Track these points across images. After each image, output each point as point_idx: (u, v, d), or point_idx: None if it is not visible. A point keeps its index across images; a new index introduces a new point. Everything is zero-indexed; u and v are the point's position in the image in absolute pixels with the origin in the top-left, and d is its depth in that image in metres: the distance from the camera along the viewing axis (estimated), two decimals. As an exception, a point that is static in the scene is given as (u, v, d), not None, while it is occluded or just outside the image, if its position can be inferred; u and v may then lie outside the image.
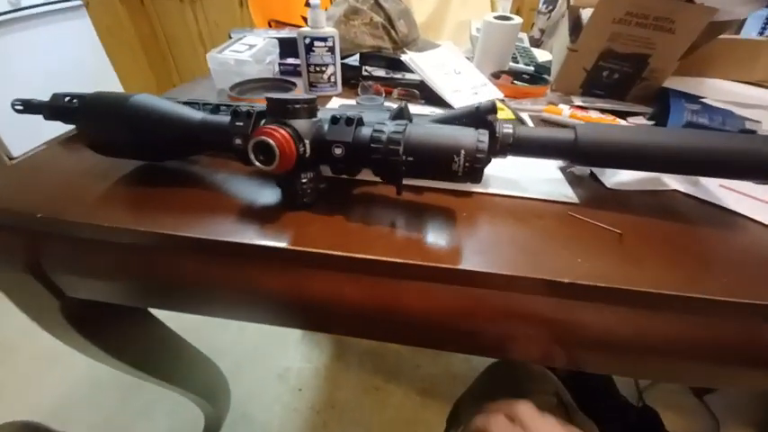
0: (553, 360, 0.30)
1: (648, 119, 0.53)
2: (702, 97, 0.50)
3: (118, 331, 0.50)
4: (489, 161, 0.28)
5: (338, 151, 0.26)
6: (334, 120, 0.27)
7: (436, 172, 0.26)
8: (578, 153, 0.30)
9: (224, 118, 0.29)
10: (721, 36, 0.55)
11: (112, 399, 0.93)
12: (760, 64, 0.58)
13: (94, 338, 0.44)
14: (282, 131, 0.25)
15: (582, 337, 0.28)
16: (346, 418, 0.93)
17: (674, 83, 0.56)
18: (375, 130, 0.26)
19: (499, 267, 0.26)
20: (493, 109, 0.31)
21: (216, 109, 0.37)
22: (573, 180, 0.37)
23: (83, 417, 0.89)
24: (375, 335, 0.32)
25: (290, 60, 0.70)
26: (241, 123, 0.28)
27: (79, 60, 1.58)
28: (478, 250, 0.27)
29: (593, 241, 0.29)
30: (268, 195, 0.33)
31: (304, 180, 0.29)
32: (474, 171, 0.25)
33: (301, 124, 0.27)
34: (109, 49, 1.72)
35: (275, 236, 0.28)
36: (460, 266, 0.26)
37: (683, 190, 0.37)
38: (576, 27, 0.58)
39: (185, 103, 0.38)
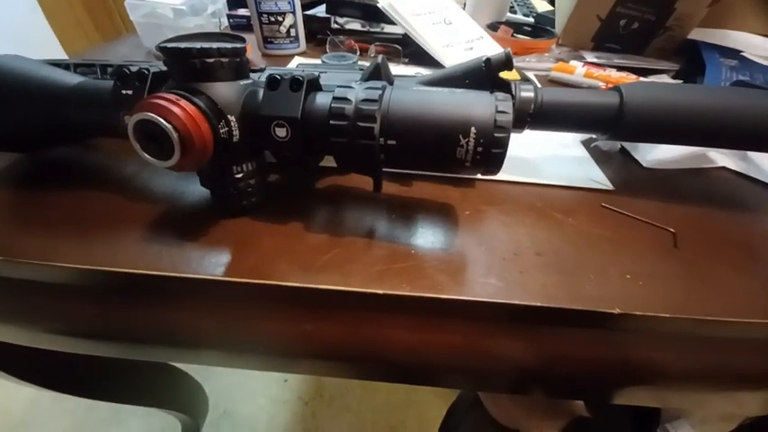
0: (583, 397, 0.24)
1: (674, 77, 0.45)
2: (739, 51, 0.42)
3: (53, 359, 0.41)
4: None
5: (281, 133, 0.17)
6: (273, 82, 0.17)
7: (432, 161, 0.17)
8: (624, 125, 0.22)
9: (107, 83, 0.19)
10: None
11: (81, 404, 0.87)
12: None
13: (22, 375, 0.36)
14: (184, 104, 0.15)
15: (625, 373, 0.22)
16: (336, 405, 0.90)
17: (701, 35, 0.48)
18: (336, 98, 0.17)
19: (523, 296, 0.18)
20: (508, 63, 0.21)
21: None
22: (600, 157, 0.29)
23: (51, 424, 0.83)
24: (353, 375, 0.24)
25: (243, 11, 0.57)
26: (130, 91, 0.18)
27: (10, 20, 1.33)
28: (492, 270, 0.20)
29: (642, 245, 0.22)
30: (197, 193, 0.23)
31: (239, 175, 0.20)
32: (490, 159, 0.16)
33: (222, 91, 0.17)
34: (46, 7, 1.46)
35: (200, 261, 0.19)
36: (469, 297, 0.18)
37: (732, 167, 0.30)
38: (590, -38, 0.47)
39: (78, 66, 0.27)
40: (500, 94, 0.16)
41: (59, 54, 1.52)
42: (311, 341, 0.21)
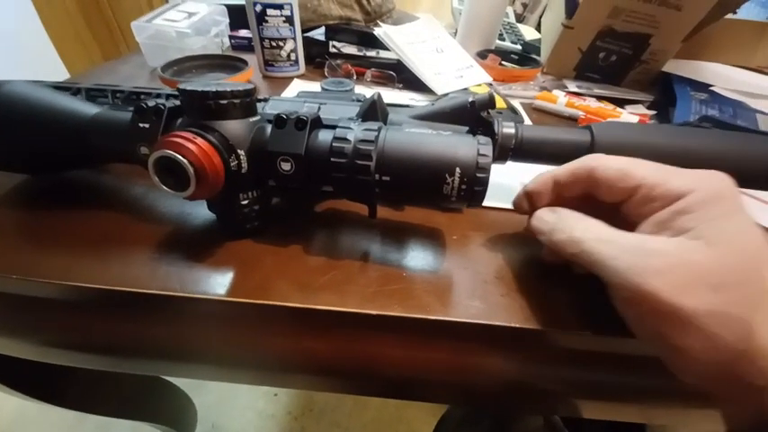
0: (567, 413, 0.26)
1: (648, 107, 0.48)
2: (710, 85, 0.45)
3: (43, 370, 0.41)
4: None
5: (286, 167, 0.19)
6: (280, 121, 0.19)
7: (421, 196, 0.19)
8: (595, 160, 0.24)
9: (124, 115, 0.21)
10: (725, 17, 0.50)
11: (67, 418, 0.85)
12: (761, 48, 0.54)
13: (12, 384, 0.36)
14: (200, 142, 0.17)
15: (602, 389, 0.23)
16: (325, 421, 0.89)
17: (675, 67, 0.51)
18: (337, 138, 0.18)
19: (504, 317, 0.20)
20: (490, 103, 0.24)
21: (129, 98, 0.28)
22: (578, 185, 0.32)
23: (38, 435, 0.81)
24: (347, 390, 0.26)
25: (244, 33, 0.59)
26: (146, 125, 0.20)
27: (10, 32, 1.34)
28: (476, 292, 0.21)
29: (612, 270, 0.24)
30: (203, 216, 0.25)
31: (244, 201, 0.21)
32: (473, 195, 0.18)
33: (233, 128, 0.19)
34: (45, 20, 1.48)
35: (206, 281, 0.20)
36: (454, 318, 0.20)
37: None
38: (572, 0, 0.51)
39: (89, 91, 0.29)
40: (482, 138, 0.18)
41: (57, 65, 1.53)
42: (309, 357, 0.22)
